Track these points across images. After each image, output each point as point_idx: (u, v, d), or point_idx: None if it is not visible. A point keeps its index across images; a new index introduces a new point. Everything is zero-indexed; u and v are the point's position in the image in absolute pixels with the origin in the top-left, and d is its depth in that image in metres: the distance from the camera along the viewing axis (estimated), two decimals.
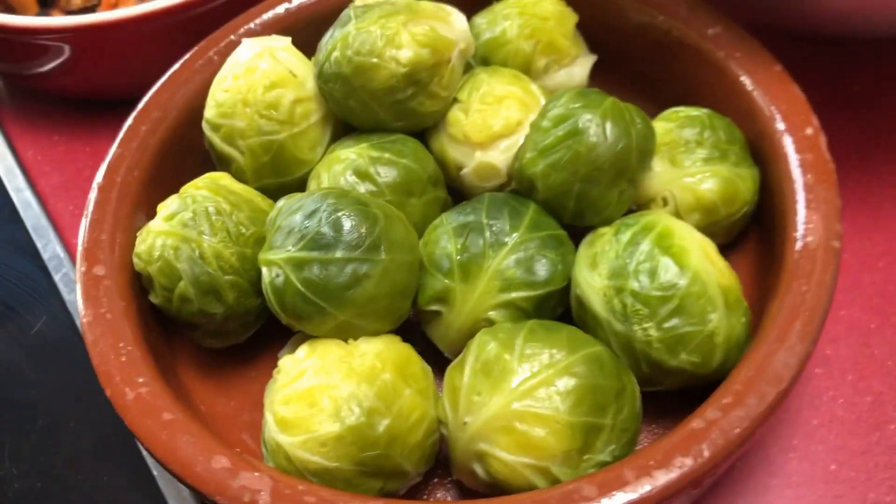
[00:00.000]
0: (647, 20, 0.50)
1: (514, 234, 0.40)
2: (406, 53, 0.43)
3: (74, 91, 0.62)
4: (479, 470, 0.36)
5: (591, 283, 0.39)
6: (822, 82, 0.55)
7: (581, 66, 0.51)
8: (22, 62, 0.60)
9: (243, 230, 0.42)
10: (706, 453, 0.33)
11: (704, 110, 0.45)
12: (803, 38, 0.56)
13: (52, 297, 0.51)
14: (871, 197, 0.50)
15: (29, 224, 0.54)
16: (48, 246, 0.53)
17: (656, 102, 0.52)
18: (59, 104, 0.63)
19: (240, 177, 0.47)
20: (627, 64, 0.52)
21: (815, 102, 0.53)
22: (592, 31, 0.52)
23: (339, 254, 0.38)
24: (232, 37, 0.51)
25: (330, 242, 0.38)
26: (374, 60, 0.43)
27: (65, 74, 0.60)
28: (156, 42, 0.57)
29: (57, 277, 0.51)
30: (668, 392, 0.40)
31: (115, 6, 0.59)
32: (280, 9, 0.53)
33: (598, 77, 0.52)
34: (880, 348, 0.44)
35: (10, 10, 0.63)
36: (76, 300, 0.41)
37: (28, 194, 0.56)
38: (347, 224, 0.38)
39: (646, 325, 0.37)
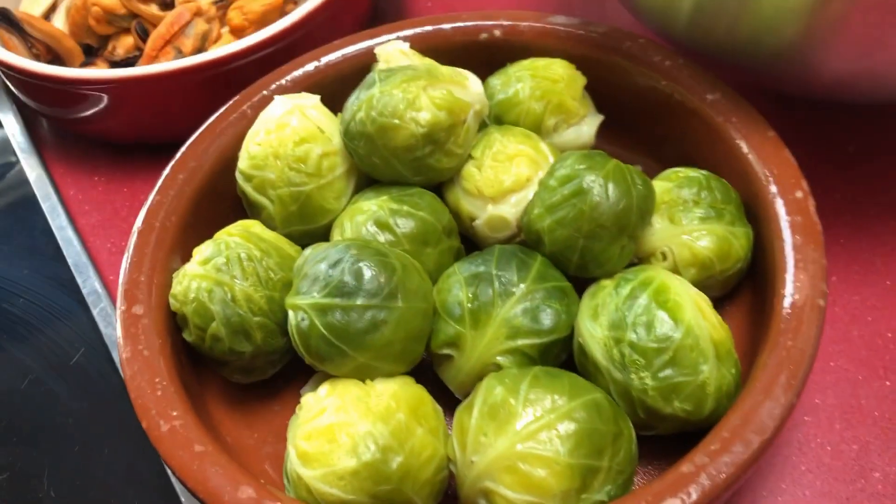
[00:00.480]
0: (651, 84, 0.53)
1: (522, 285, 0.43)
2: (425, 116, 0.47)
3: (113, 136, 0.66)
4: None
5: (593, 333, 0.42)
6: (819, 143, 0.58)
7: (589, 125, 0.54)
8: (65, 108, 0.64)
9: (272, 275, 0.46)
10: (694, 496, 0.36)
11: (702, 172, 0.48)
12: (803, 101, 0.59)
13: (91, 331, 0.54)
14: (862, 253, 0.53)
15: (70, 261, 0.58)
16: (87, 282, 0.57)
17: (659, 160, 0.56)
18: (100, 147, 0.67)
19: (269, 223, 0.51)
20: (632, 123, 0.56)
21: (811, 162, 0.57)
22: (600, 92, 0.55)
23: (359, 301, 0.41)
24: (264, 92, 0.55)
25: (352, 290, 0.41)
26: (396, 122, 0.47)
27: (104, 120, 0.64)
28: (189, 93, 0.61)
29: (95, 312, 0.55)
30: (664, 436, 0.43)
31: (154, 59, 0.63)
32: (309, 66, 0.57)
33: (605, 135, 0.55)
34: (867, 399, 0.47)
35: (58, 57, 0.67)
36: (116, 337, 0.45)
37: (70, 232, 0.60)
38: (368, 274, 0.41)
39: (642, 374, 0.40)
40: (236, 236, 0.47)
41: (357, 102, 0.48)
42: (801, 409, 0.47)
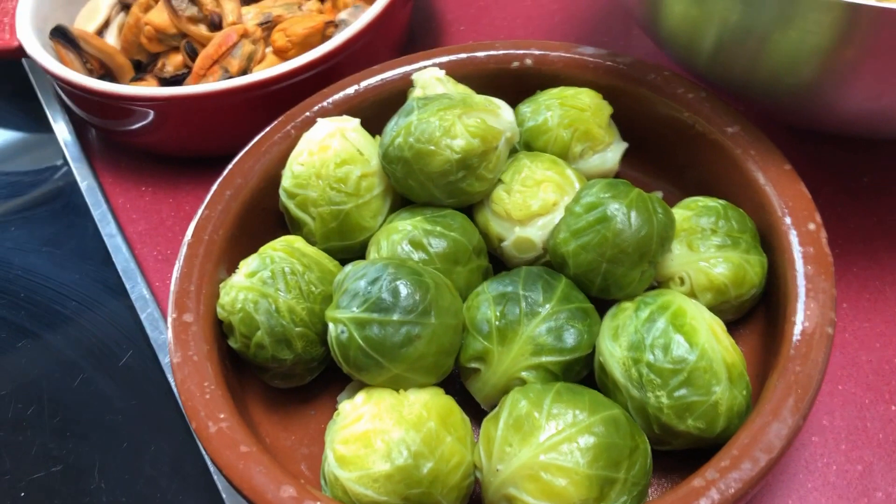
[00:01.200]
0: (673, 114, 0.56)
1: (547, 305, 0.46)
2: (459, 143, 0.50)
3: (160, 148, 0.69)
4: None
5: (613, 352, 0.45)
6: (835, 174, 0.61)
7: (613, 152, 0.57)
8: (115, 120, 0.68)
9: (313, 289, 0.49)
10: None
11: (721, 201, 0.51)
12: (821, 135, 0.62)
13: (138, 334, 0.58)
14: (872, 282, 0.55)
15: (119, 267, 0.61)
16: (135, 288, 0.60)
17: (680, 187, 0.58)
18: (147, 159, 0.70)
19: (310, 239, 0.54)
20: (655, 151, 0.58)
21: (827, 192, 0.59)
22: (625, 120, 0.58)
23: (395, 317, 0.44)
24: (307, 113, 0.59)
25: (388, 307, 0.44)
26: (432, 148, 0.50)
27: (151, 134, 0.67)
28: (233, 112, 0.64)
29: (143, 317, 0.58)
30: (677, 451, 0.45)
31: (202, 77, 0.66)
32: (350, 90, 0.60)
33: (629, 161, 0.58)
34: (872, 422, 0.49)
35: (110, 72, 0.71)
36: (167, 342, 0.48)
37: (119, 239, 0.63)
38: (404, 291, 0.44)
39: (658, 393, 0.43)
40: (280, 251, 0.50)
41: (396, 128, 0.51)
42: (809, 429, 0.49)
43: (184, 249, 0.51)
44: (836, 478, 0.48)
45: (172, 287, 0.50)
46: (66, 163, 0.71)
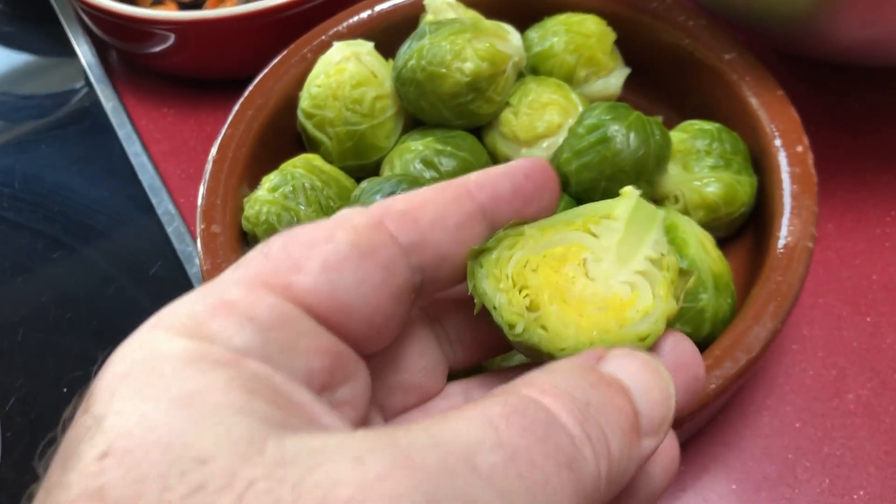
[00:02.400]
0: (674, 41, 0.58)
1: None
2: (469, 66, 0.53)
3: (179, 71, 0.72)
4: None
5: None
6: (826, 101, 0.63)
7: (616, 78, 0.60)
8: (136, 43, 0.70)
9: (332, 203, 0.52)
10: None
11: (715, 125, 0.54)
12: (815, 63, 0.64)
13: (166, 246, 0.61)
14: (857, 203, 0.59)
15: (145, 184, 0.65)
16: (161, 203, 0.64)
17: (679, 111, 0.61)
18: (168, 81, 0.73)
19: (327, 158, 0.57)
20: (656, 77, 0.61)
21: (819, 118, 0.62)
22: (628, 46, 0.60)
23: None
24: (323, 37, 0.61)
25: None
26: (443, 70, 0.52)
27: (171, 57, 0.70)
28: (250, 36, 0.67)
29: (169, 230, 0.62)
30: None
31: (221, 1, 0.68)
32: (364, 14, 0.62)
33: (631, 86, 0.61)
34: (849, 331, 0.53)
35: None
36: (196, 252, 0.52)
37: (144, 158, 0.67)
38: None
39: None
40: (300, 168, 0.53)
41: (409, 52, 0.54)
42: (790, 338, 0.54)
43: (209, 166, 0.55)
44: (812, 381, 0.52)
45: (200, 201, 0.53)
46: (89, 85, 0.73)
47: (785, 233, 0.48)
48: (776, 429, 0.50)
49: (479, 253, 0.28)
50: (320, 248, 0.25)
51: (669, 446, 0.29)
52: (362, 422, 0.27)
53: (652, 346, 0.27)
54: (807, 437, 0.50)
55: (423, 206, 0.27)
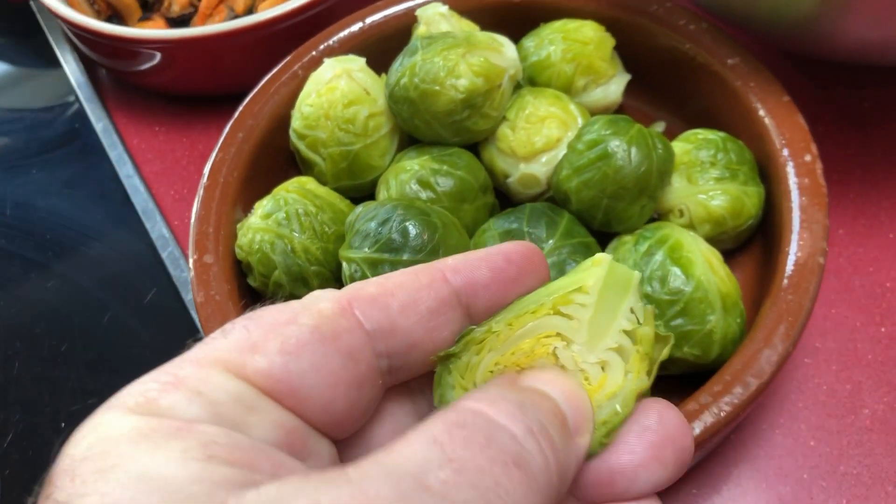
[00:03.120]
0: (676, 46, 0.57)
1: (550, 241, 0.48)
2: (464, 82, 0.51)
3: (170, 88, 0.71)
4: None
5: None
6: (835, 99, 0.62)
7: (616, 85, 0.58)
8: (123, 61, 0.69)
9: (326, 229, 0.51)
10: (697, 430, 0.41)
11: (720, 134, 0.52)
12: (822, 62, 0.62)
13: (161, 273, 0.60)
14: (869, 207, 0.57)
15: (138, 207, 0.64)
16: (155, 227, 0.62)
17: (682, 117, 0.59)
18: (159, 98, 0.71)
19: (321, 178, 0.55)
20: (658, 82, 0.59)
21: (826, 118, 0.60)
22: (628, 51, 0.58)
23: (405, 256, 0.46)
24: (314, 53, 0.59)
25: (398, 247, 0.46)
26: (437, 88, 0.51)
27: (160, 74, 0.68)
28: (240, 52, 0.65)
29: (164, 255, 0.61)
30: (675, 375, 0.48)
31: (209, 17, 0.67)
32: (354, 27, 0.60)
33: (632, 92, 0.59)
34: (863, 343, 0.52)
35: (117, 12, 0.71)
36: (189, 282, 0.51)
37: (136, 180, 0.65)
38: (413, 232, 0.46)
39: (656, 323, 0.45)
40: (293, 192, 0.52)
41: (401, 69, 0.52)
42: (802, 351, 0.52)
43: (200, 192, 0.53)
44: (826, 397, 0.50)
45: (192, 229, 0.52)
46: (78, 101, 0.72)
47: (795, 248, 0.46)
48: (790, 448, 0.49)
49: (446, 358, 0.27)
50: (280, 331, 0.25)
51: None
52: None
53: (624, 420, 0.27)
54: (822, 456, 0.48)
55: (395, 290, 0.27)
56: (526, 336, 0.27)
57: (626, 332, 0.28)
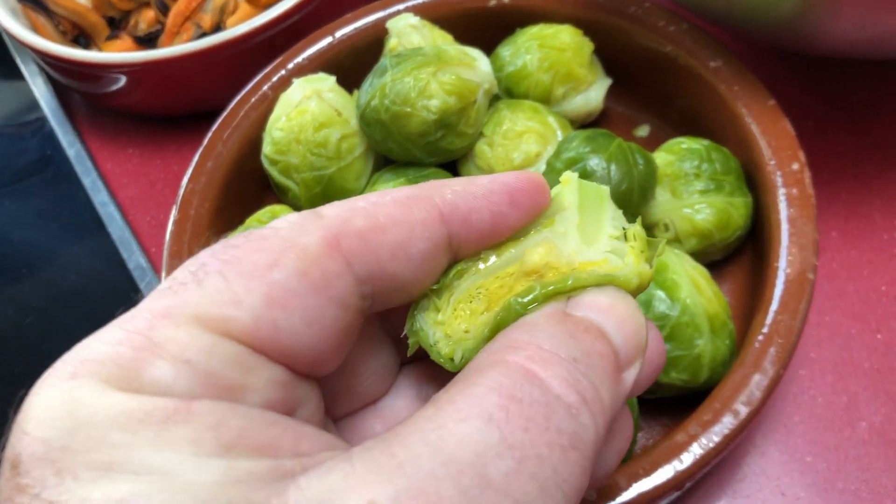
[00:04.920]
0: (656, 48, 0.54)
1: None
2: (435, 103, 0.49)
3: (141, 110, 0.69)
4: None
5: None
6: (824, 94, 0.59)
7: (597, 91, 0.56)
8: (91, 84, 0.67)
9: None
10: (687, 463, 0.40)
11: (704, 142, 0.50)
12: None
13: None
14: (862, 207, 0.55)
15: (114, 236, 0.62)
16: (132, 257, 0.61)
17: (666, 120, 0.57)
18: (131, 120, 0.69)
19: (295, 203, 0.54)
20: (640, 85, 0.57)
21: (816, 111, 0.58)
22: (609, 55, 0.57)
23: None
24: (283, 72, 0.58)
25: None
26: (408, 109, 0.49)
27: (130, 96, 0.66)
28: (210, 70, 0.63)
29: (142, 286, 0.60)
30: (665, 398, 0.47)
31: (176, 35, 0.65)
32: (324, 42, 0.58)
33: (615, 96, 0.57)
34: (859, 352, 0.50)
35: (84, 32, 0.69)
36: None
37: (111, 207, 0.64)
38: None
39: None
40: (265, 223, 0.50)
41: (371, 90, 0.51)
42: (797, 362, 0.51)
43: (170, 227, 0.52)
44: (822, 410, 0.49)
45: (163, 266, 0.51)
46: (48, 124, 0.70)
47: (784, 264, 0.44)
48: (786, 465, 0.48)
49: (429, 293, 0.26)
50: (264, 278, 0.22)
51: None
52: None
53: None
54: (819, 473, 0.47)
55: (386, 228, 0.24)
56: (512, 261, 0.26)
57: (616, 238, 0.26)
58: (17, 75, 0.74)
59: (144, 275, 0.60)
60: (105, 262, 0.61)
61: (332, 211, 0.24)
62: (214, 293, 0.21)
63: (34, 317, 0.60)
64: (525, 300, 0.24)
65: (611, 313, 0.24)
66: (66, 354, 0.21)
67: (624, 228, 0.27)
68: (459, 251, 0.26)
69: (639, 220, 0.27)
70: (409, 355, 0.27)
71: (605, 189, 0.28)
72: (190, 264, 0.23)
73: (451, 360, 0.25)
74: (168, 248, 0.51)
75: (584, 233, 0.26)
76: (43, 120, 0.71)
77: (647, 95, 0.58)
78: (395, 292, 0.25)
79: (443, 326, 0.26)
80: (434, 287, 0.26)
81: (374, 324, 0.28)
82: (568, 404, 0.21)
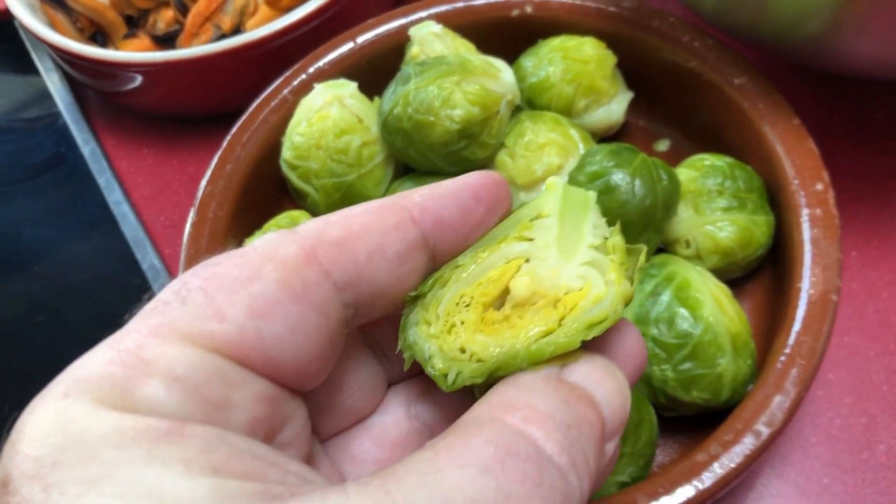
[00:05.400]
0: (680, 63, 0.54)
1: None
2: (459, 112, 0.49)
3: (157, 109, 0.68)
4: None
5: None
6: (848, 113, 0.59)
7: (619, 104, 0.56)
8: (108, 83, 0.66)
9: None
10: (707, 483, 0.40)
11: (727, 160, 0.50)
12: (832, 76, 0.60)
13: None
14: (883, 228, 0.55)
15: (128, 236, 0.62)
16: (146, 257, 0.61)
17: (688, 135, 0.57)
18: (146, 119, 0.69)
19: (313, 209, 0.54)
20: (663, 100, 0.57)
21: (837, 131, 0.58)
22: (632, 68, 0.56)
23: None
24: (303, 76, 0.57)
25: None
26: (432, 119, 0.49)
27: (146, 95, 0.66)
28: (227, 72, 0.63)
29: (155, 287, 0.59)
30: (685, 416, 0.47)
31: (195, 35, 0.64)
32: (345, 48, 0.58)
33: (636, 109, 0.57)
34: (878, 374, 0.50)
35: (101, 30, 0.69)
36: None
37: (125, 207, 0.63)
38: None
39: (663, 367, 0.43)
40: (285, 228, 0.50)
41: (394, 98, 0.50)
42: (815, 383, 0.50)
43: (189, 229, 0.51)
44: (840, 432, 0.49)
45: (181, 270, 0.50)
46: (62, 120, 0.70)
47: (807, 285, 0.44)
48: (802, 487, 0.47)
49: (413, 300, 0.26)
50: (246, 291, 0.22)
51: None
52: (307, 458, 0.26)
53: (614, 324, 0.26)
54: (836, 496, 0.47)
55: (361, 235, 0.25)
56: (492, 266, 0.27)
57: (596, 247, 0.27)
58: (32, 71, 0.74)
59: (158, 276, 0.60)
60: (117, 262, 0.61)
61: (307, 226, 0.25)
62: (198, 309, 0.22)
63: (45, 314, 0.60)
64: (523, 359, 0.25)
65: (602, 385, 0.25)
66: (59, 375, 0.21)
67: (604, 238, 0.27)
68: (437, 251, 0.27)
69: (617, 226, 0.27)
70: (405, 370, 0.27)
71: (592, 195, 0.28)
72: (174, 284, 0.23)
73: (445, 377, 0.25)
74: (186, 251, 0.50)
75: (564, 244, 0.27)
76: (57, 116, 0.71)
77: (668, 110, 0.57)
78: (377, 298, 0.25)
79: (437, 340, 0.26)
80: (419, 298, 0.26)
81: (358, 340, 0.29)
82: (559, 465, 0.22)
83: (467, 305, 0.26)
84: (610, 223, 0.28)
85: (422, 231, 0.26)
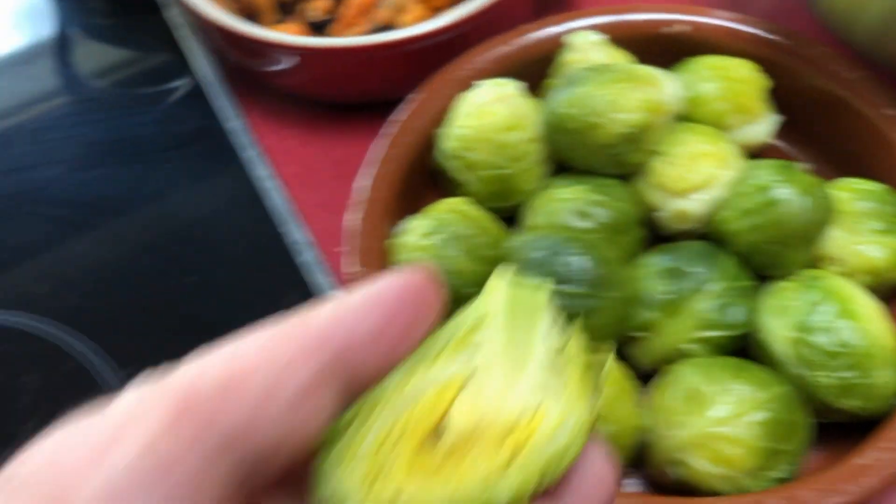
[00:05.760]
0: (830, 91, 0.57)
1: (714, 282, 0.49)
2: (627, 117, 0.51)
3: (302, 92, 0.71)
4: (671, 472, 0.46)
5: (776, 330, 0.47)
6: None
7: (765, 126, 0.58)
8: (257, 61, 0.69)
9: (482, 253, 0.52)
10: (865, 486, 0.42)
11: (880, 185, 0.52)
12: None
13: (296, 279, 0.61)
14: None
15: (272, 211, 0.65)
16: (288, 232, 0.63)
17: (829, 163, 0.59)
18: (288, 100, 0.72)
19: (472, 197, 0.56)
20: (806, 126, 0.59)
21: None
22: (778, 93, 0.59)
23: (573, 288, 0.47)
24: (462, 73, 0.60)
25: (567, 278, 0.47)
26: (599, 121, 0.51)
27: (293, 77, 0.69)
28: (377, 65, 0.65)
29: (297, 261, 0.62)
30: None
31: (349, 26, 0.67)
32: (499, 50, 0.61)
33: (779, 133, 0.59)
34: None
35: (252, 13, 0.72)
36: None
37: (268, 183, 0.66)
38: (582, 265, 0.47)
39: (820, 373, 0.46)
40: (450, 214, 0.53)
41: (562, 99, 0.53)
42: None
43: (363, 206, 0.54)
44: None
45: (355, 243, 0.53)
46: (210, 99, 0.73)
47: None
48: None
49: (329, 441, 0.22)
50: (101, 465, 0.19)
51: None
52: None
53: (574, 459, 0.23)
54: None
55: (248, 375, 0.21)
56: (423, 393, 0.23)
57: (551, 358, 0.23)
58: (175, 49, 0.77)
59: (300, 250, 0.62)
60: (261, 236, 0.64)
61: (182, 370, 0.21)
62: (41, 486, 0.19)
63: (195, 276, 0.63)
64: None
65: None
66: None
67: (561, 342, 0.24)
68: (355, 376, 0.23)
69: (577, 324, 0.25)
70: None
71: (546, 292, 0.25)
72: (21, 454, 0.20)
73: None
74: (362, 226, 0.53)
75: (512, 357, 0.23)
76: (203, 91, 0.74)
77: (811, 136, 0.59)
78: (276, 448, 0.21)
79: (360, 491, 0.22)
80: (335, 438, 0.23)
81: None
82: None
83: (396, 445, 0.22)
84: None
85: (331, 355, 0.22)
